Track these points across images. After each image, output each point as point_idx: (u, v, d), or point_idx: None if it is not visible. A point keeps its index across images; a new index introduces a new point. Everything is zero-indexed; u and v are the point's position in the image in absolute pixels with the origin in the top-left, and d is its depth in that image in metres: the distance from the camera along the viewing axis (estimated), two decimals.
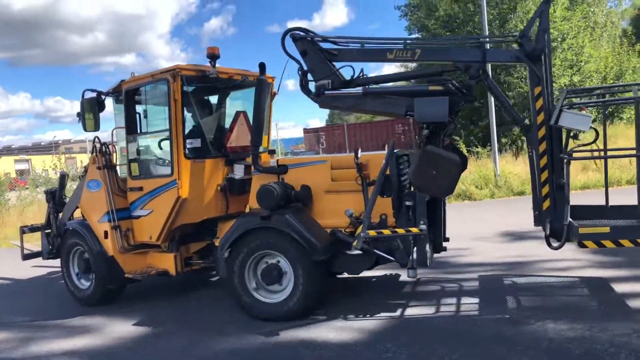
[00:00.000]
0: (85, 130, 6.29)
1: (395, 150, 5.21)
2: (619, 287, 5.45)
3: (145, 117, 5.91)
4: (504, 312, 4.99)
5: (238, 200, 6.32)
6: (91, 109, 6.32)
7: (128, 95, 6.12)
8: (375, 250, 5.07)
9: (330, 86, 5.47)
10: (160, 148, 6.32)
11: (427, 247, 5.06)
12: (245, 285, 5.34)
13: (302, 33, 5.40)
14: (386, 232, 4.93)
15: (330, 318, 5.21)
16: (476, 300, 5.43)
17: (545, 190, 5.13)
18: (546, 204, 5.13)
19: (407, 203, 5.08)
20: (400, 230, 4.93)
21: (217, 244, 5.84)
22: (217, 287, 7.06)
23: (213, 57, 5.70)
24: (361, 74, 5.57)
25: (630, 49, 26.63)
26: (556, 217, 5.03)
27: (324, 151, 22.85)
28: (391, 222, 5.22)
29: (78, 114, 6.27)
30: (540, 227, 5.17)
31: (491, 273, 6.42)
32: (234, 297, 5.47)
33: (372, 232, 4.86)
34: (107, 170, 6.32)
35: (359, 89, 5.49)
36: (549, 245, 5.21)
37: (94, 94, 6.36)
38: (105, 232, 6.23)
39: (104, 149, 6.38)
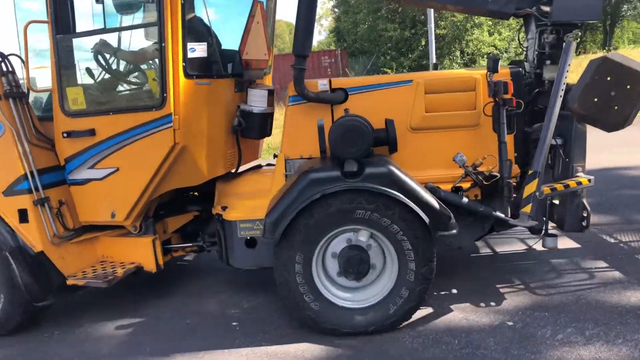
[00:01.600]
0: None
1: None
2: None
3: (100, 1, 3.26)
4: (504, 314, 3.45)
5: (248, 147, 4.13)
6: None
7: None
8: (494, 213, 3.45)
9: None
10: (107, 68, 3.74)
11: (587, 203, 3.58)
12: (313, 282, 3.33)
13: None
14: (559, 187, 3.34)
15: (275, 331, 3.49)
16: (466, 298, 3.72)
17: None
18: None
19: (554, 142, 3.50)
20: (572, 183, 3.40)
21: (227, 217, 3.66)
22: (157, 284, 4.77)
23: None
24: None
25: None
26: None
27: None
28: (515, 170, 3.62)
29: None
30: None
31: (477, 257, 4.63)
32: (287, 304, 3.40)
33: (546, 189, 3.24)
34: (13, 102, 3.55)
35: None
36: None
37: None
38: (23, 212, 3.58)
39: (4, 64, 3.55)
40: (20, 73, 3.72)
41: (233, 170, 4.05)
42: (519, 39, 4.29)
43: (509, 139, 3.54)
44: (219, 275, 4.59)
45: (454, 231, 3.26)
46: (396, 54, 19.76)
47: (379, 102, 3.64)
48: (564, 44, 3.34)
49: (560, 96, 3.26)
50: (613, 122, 3.36)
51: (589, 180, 3.43)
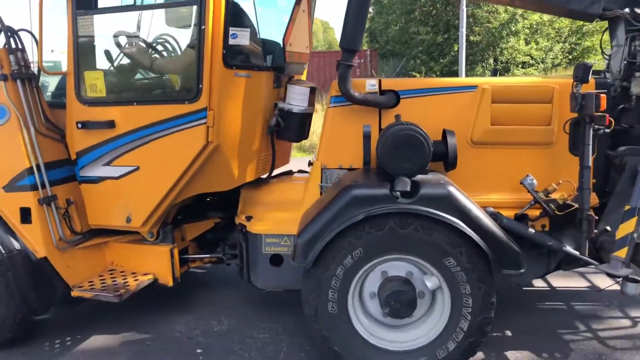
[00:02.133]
0: None
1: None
2: None
3: None
4: None
5: (280, 150, 3.69)
6: None
7: None
8: (565, 248, 2.89)
9: None
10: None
11: None
12: (349, 318, 2.85)
13: None
14: None
15: None
16: (502, 343, 3.24)
17: None
18: None
19: None
20: None
21: (251, 229, 3.20)
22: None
23: None
24: None
25: None
26: None
27: None
28: (593, 199, 3.03)
29: None
30: None
31: None
32: (314, 339, 2.91)
33: None
34: (21, 84, 3.10)
35: None
36: None
37: None
38: (25, 211, 3.13)
39: (13, 40, 3.10)
40: (31, 53, 3.27)
41: (265, 175, 3.62)
42: (600, 46, 3.78)
43: (572, 162, 3.01)
44: (211, 288, 4.18)
45: (522, 270, 2.76)
46: (427, 58, 18.98)
47: (436, 109, 3.18)
48: None
49: None
50: None
51: None
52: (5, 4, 3.52)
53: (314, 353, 3.12)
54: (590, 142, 2.87)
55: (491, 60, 17.45)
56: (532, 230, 2.96)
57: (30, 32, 3.30)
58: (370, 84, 3.18)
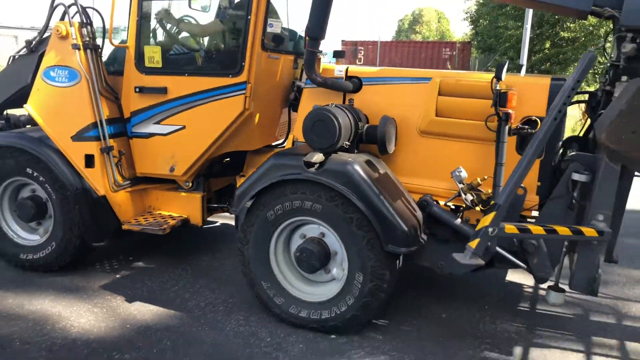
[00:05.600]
0: None
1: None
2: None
3: None
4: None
5: (294, 121, 4.54)
6: None
7: None
8: (497, 249, 3.08)
9: None
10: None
11: (601, 261, 3.12)
12: (269, 264, 3.49)
13: None
14: (537, 229, 2.93)
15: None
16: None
17: None
18: None
19: (578, 177, 3.03)
20: (563, 230, 2.93)
21: (238, 185, 3.91)
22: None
23: None
24: None
25: None
26: None
27: None
28: (533, 201, 3.28)
29: None
30: None
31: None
32: (245, 277, 3.59)
33: (510, 227, 2.91)
34: (90, 53, 3.85)
35: None
36: None
37: None
38: (89, 158, 3.92)
39: (84, 15, 3.84)
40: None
41: (280, 141, 4.47)
42: (603, 47, 3.86)
43: (535, 165, 3.15)
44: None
45: (407, 250, 3.09)
46: (514, 54, 17.67)
47: (394, 97, 3.54)
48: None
49: (556, 119, 2.82)
50: None
51: (600, 233, 2.85)
52: None
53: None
54: (505, 140, 3.08)
55: None
56: (458, 220, 3.26)
57: (95, 9, 4.02)
58: (338, 70, 3.65)
